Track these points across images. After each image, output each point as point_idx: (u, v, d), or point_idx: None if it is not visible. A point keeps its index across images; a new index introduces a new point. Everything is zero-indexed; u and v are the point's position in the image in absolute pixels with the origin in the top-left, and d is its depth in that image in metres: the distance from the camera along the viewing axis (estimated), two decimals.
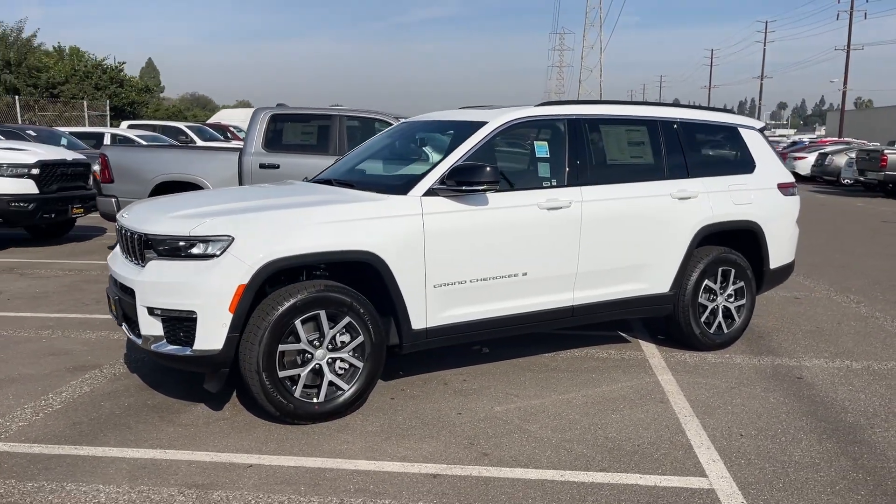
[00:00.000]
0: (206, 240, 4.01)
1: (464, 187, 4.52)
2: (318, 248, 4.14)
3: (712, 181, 5.67)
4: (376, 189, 4.65)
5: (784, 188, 6.10)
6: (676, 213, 5.43)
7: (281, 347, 4.07)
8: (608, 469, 3.68)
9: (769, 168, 6.08)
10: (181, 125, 20.92)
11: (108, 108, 30.17)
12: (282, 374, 4.09)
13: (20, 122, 25.44)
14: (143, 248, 4.17)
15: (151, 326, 4.09)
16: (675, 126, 5.65)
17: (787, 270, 6.27)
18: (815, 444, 4.03)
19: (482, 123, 4.94)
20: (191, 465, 3.68)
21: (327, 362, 4.24)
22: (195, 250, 4.02)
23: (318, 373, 4.24)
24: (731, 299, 5.83)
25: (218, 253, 3.99)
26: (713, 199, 5.61)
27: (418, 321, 4.50)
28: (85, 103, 28.55)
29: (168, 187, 8.70)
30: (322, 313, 4.16)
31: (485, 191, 4.58)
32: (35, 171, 10.29)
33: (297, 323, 4.10)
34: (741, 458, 3.83)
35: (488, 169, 4.52)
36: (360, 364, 4.31)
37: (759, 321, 6.64)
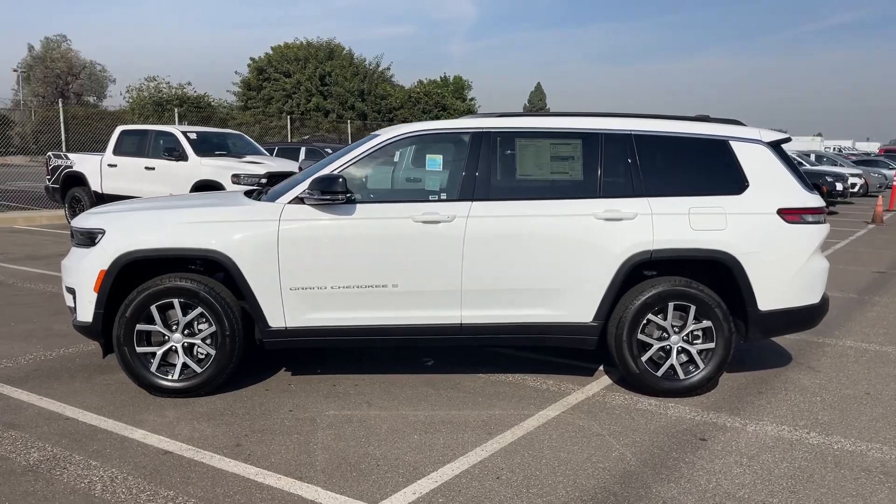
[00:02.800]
0: (88, 232, 4.88)
1: (326, 197, 4.71)
2: (168, 244, 4.73)
3: (665, 202, 4.90)
4: (268, 198, 5.06)
5: (790, 215, 4.96)
6: (601, 235, 4.83)
7: (139, 327, 4.74)
8: (310, 480, 3.65)
9: (770, 189, 5.00)
10: None
11: None
12: (140, 349, 4.76)
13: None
14: (71, 238, 5.20)
15: (69, 300, 5.08)
16: (629, 140, 5.01)
17: (800, 315, 5.07)
18: None
19: (375, 136, 5.05)
20: (49, 411, 4.55)
21: (182, 346, 4.80)
22: (83, 240, 4.91)
23: (187, 352, 4.81)
24: (695, 341, 4.95)
25: (92, 243, 4.83)
26: (659, 223, 4.85)
27: (275, 320, 4.81)
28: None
29: None
30: (176, 302, 4.74)
31: (334, 202, 4.71)
32: (263, 181, 12.42)
33: (153, 308, 4.73)
34: (437, 500, 3.47)
35: (340, 180, 4.67)
36: (212, 351, 4.79)
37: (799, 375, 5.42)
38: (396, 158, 5.27)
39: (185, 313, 4.76)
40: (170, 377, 4.79)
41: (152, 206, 5.11)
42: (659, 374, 4.93)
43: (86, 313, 4.81)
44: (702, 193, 4.98)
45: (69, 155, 15.76)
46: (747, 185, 4.99)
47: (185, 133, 14.02)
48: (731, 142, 5.07)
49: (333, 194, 4.68)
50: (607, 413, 4.66)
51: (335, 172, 4.83)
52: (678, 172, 5.11)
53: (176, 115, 23.53)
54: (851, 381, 5.38)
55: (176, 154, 13.33)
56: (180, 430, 4.27)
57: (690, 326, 4.91)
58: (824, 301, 5.20)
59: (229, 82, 39.89)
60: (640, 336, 4.89)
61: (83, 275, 4.79)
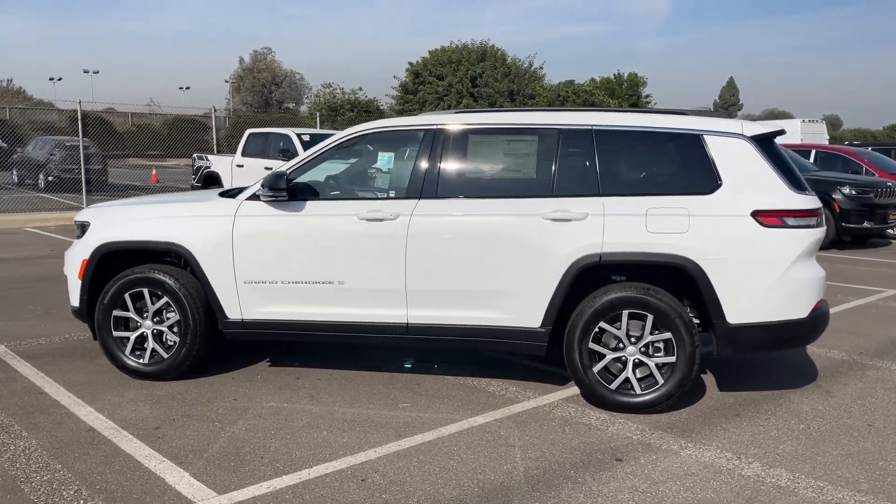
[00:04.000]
0: (80, 225, 5.34)
1: (271, 194, 4.85)
2: (136, 237, 5.08)
3: (621, 202, 4.54)
4: (234, 195, 5.25)
5: (767, 217, 4.42)
6: (547, 236, 4.56)
7: (115, 313, 5.12)
8: (186, 466, 3.78)
9: (746, 189, 4.48)
10: None
11: None
12: (116, 333, 5.15)
13: None
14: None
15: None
16: (589, 135, 4.69)
17: (780, 331, 4.50)
18: None
19: (331, 134, 5.10)
20: (32, 385, 5.06)
21: (152, 332, 5.12)
22: (78, 232, 5.38)
23: (157, 338, 5.14)
24: (656, 353, 4.54)
25: (80, 235, 5.28)
26: (611, 224, 4.50)
27: (233, 312, 5.01)
28: None
29: None
30: (145, 291, 5.08)
31: (277, 199, 4.82)
32: None
33: (126, 296, 5.10)
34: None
35: (284, 177, 4.79)
36: (177, 339, 5.07)
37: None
38: (354, 156, 5.29)
39: (153, 302, 5.08)
40: (140, 361, 5.14)
41: (135, 203, 5.52)
42: (612, 386, 4.58)
43: (75, 299, 5.27)
44: (665, 193, 4.56)
45: (209, 156, 17.20)
46: (719, 185, 4.50)
47: (298, 135, 14.82)
48: (705, 136, 4.59)
49: (277, 191, 4.80)
50: (540, 424, 4.40)
51: (285, 169, 4.95)
52: (642, 170, 4.73)
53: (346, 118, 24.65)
54: (862, 411, 4.69)
55: (289, 154, 14.11)
56: (122, 410, 4.58)
57: (648, 337, 4.52)
58: (817, 316, 4.57)
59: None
60: (591, 345, 4.57)
61: (72, 264, 5.26)
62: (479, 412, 4.59)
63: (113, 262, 5.20)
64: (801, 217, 4.45)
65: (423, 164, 4.82)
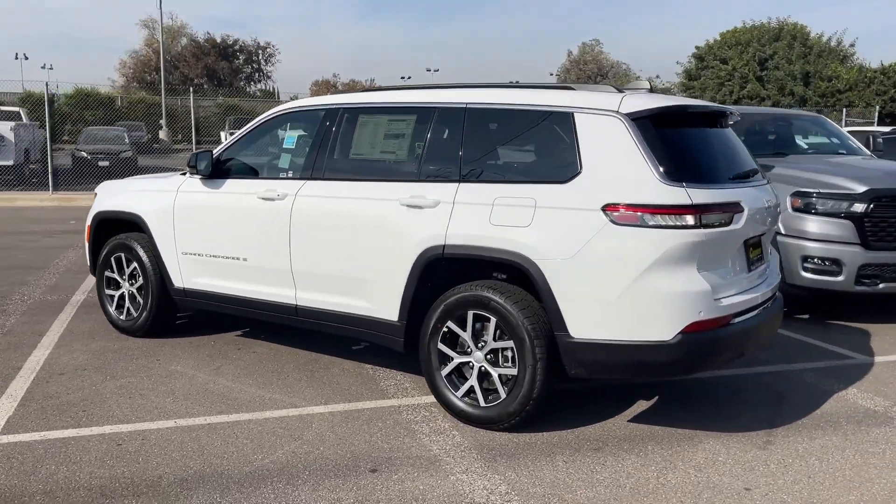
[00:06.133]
0: (95, 195, 6.17)
1: (193, 170, 5.18)
2: (114, 207, 5.74)
3: (474, 189, 4.04)
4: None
5: (621, 213, 3.60)
6: (401, 223, 4.23)
7: (106, 273, 5.87)
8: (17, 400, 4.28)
9: (607, 178, 3.69)
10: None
11: (875, 113, 27.84)
12: (107, 291, 5.89)
13: None
14: None
15: None
16: (462, 114, 4.23)
17: (634, 354, 3.66)
18: None
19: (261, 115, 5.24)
20: (32, 331, 6.05)
21: (128, 293, 5.77)
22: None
23: (132, 299, 5.79)
24: (504, 363, 3.98)
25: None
26: (458, 213, 4.03)
27: (177, 280, 5.43)
28: (845, 111, 27.22)
29: None
30: (123, 256, 5.73)
31: (194, 174, 5.11)
32: None
33: (112, 259, 5.80)
34: None
35: (199, 155, 5.08)
36: (143, 301, 5.65)
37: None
38: (278, 135, 5.34)
39: (127, 266, 5.72)
40: (121, 317, 5.82)
41: (133, 178, 6.20)
42: (458, 393, 4.12)
43: (88, 259, 6.15)
44: (519, 180, 3.96)
45: None
46: (578, 172, 3.78)
47: None
48: (576, 115, 3.87)
49: (194, 168, 5.10)
50: (370, 422, 4.14)
51: (210, 149, 5.22)
52: (505, 154, 4.15)
53: None
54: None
55: None
56: (68, 356, 5.25)
57: (491, 344, 3.99)
58: (692, 342, 3.61)
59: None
60: (440, 346, 4.16)
61: (86, 228, 6.13)
62: (337, 401, 4.46)
63: (108, 229, 5.94)
64: (665, 214, 3.55)
65: (316, 145, 4.77)
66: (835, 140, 8.45)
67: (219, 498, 3.27)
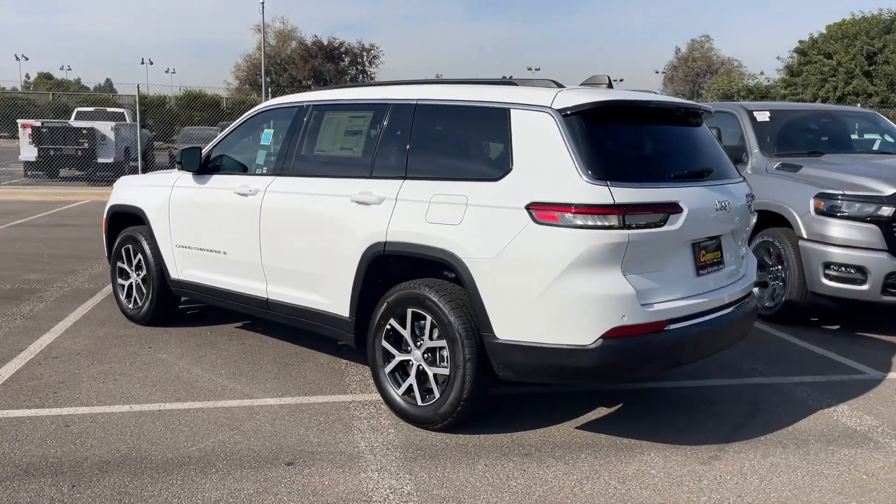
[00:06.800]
0: (113, 188, 6.49)
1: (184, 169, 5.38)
2: (123, 201, 6.03)
3: (416, 186, 4.01)
4: None
5: (542, 212, 3.48)
6: (350, 220, 4.25)
7: (119, 264, 6.18)
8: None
9: (535, 175, 3.58)
10: None
11: None
12: (119, 281, 6.19)
13: None
14: None
15: None
16: (412, 111, 4.20)
17: (554, 358, 3.53)
18: None
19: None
20: (50, 316, 6.43)
21: (136, 283, 6.04)
22: None
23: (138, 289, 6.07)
24: (441, 363, 3.93)
25: None
26: (399, 211, 4.01)
27: (173, 271, 5.65)
28: None
29: None
30: (131, 247, 6.01)
31: (182, 170, 5.29)
32: None
33: (122, 251, 6.10)
34: None
35: (182, 152, 5.27)
36: (146, 291, 5.92)
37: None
38: (262, 131, 5.43)
39: (134, 257, 6.00)
40: (130, 306, 6.12)
41: (145, 174, 6.47)
42: (399, 391, 4.10)
43: (105, 250, 6.49)
44: (456, 177, 3.90)
45: None
46: (510, 169, 3.68)
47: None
48: (512, 111, 3.77)
49: (179, 164, 5.30)
50: (311, 417, 4.18)
51: (199, 146, 5.40)
52: (447, 151, 4.10)
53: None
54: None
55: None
56: (71, 341, 5.56)
57: (427, 343, 3.95)
58: (615, 348, 3.44)
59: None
60: (384, 343, 4.15)
61: (103, 221, 6.47)
62: (293, 394, 4.53)
63: (120, 221, 6.25)
64: (586, 214, 3.40)
65: (286, 141, 4.86)
66: (889, 138, 7.84)
67: (128, 482, 3.39)
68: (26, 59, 74.12)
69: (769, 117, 7.39)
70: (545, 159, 3.59)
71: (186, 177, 5.47)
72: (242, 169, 5.28)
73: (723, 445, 3.89)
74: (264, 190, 4.81)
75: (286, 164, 4.79)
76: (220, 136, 5.44)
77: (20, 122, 20.82)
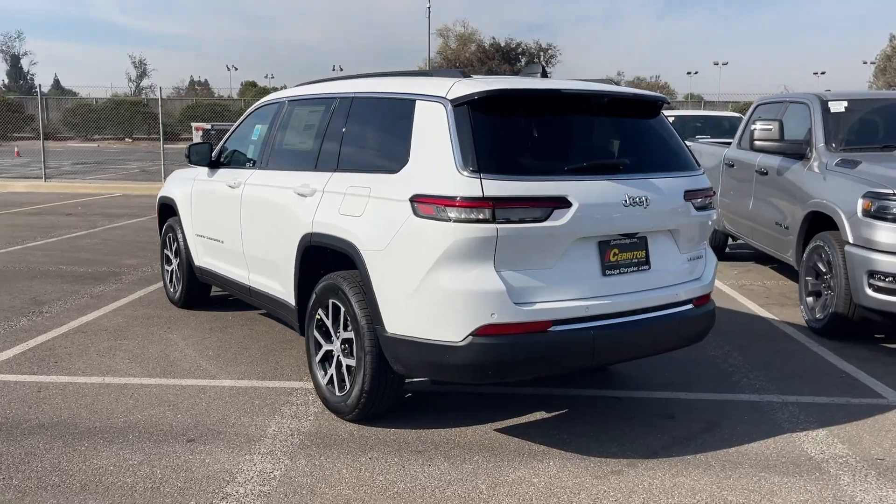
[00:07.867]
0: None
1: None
2: (165, 193, 6.56)
3: (339, 178, 4.07)
4: None
5: (422, 204, 3.40)
6: (292, 211, 4.37)
7: (165, 251, 6.73)
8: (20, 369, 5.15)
9: (424, 168, 3.51)
10: None
11: None
12: (166, 267, 6.76)
13: None
14: None
15: None
16: (349, 104, 4.26)
17: (431, 353, 3.43)
18: None
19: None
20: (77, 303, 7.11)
21: (174, 270, 6.56)
22: None
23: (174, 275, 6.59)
24: (351, 353, 3.94)
25: None
26: (324, 203, 4.09)
27: (196, 259, 6.09)
28: None
29: None
30: (170, 236, 6.54)
31: (193, 164, 5.66)
32: None
33: (166, 238, 6.63)
34: None
35: (193, 149, 5.65)
36: (179, 276, 6.41)
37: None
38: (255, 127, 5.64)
39: (172, 244, 6.52)
40: (171, 290, 6.65)
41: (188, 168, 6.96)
42: (324, 381, 4.17)
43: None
44: (367, 170, 3.90)
45: None
46: (407, 161, 3.62)
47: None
48: (417, 102, 3.71)
49: (187, 159, 5.68)
50: (248, 400, 4.35)
51: (199, 142, 5.78)
52: (367, 142, 4.13)
53: None
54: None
55: None
56: (107, 317, 6.17)
57: (342, 334, 3.98)
58: (484, 347, 3.28)
59: None
60: (314, 332, 4.24)
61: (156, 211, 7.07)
62: (250, 378, 4.72)
63: (166, 211, 6.80)
64: (457, 207, 3.27)
65: (266, 136, 5.08)
66: None
67: (43, 445, 3.71)
68: (236, 69, 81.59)
69: (846, 107, 6.60)
70: (434, 151, 3.50)
71: (203, 171, 5.86)
72: (239, 163, 5.57)
73: (637, 461, 3.59)
74: (244, 182, 5.06)
75: (263, 157, 5.02)
76: (228, 133, 5.78)
77: (194, 124, 23.08)
